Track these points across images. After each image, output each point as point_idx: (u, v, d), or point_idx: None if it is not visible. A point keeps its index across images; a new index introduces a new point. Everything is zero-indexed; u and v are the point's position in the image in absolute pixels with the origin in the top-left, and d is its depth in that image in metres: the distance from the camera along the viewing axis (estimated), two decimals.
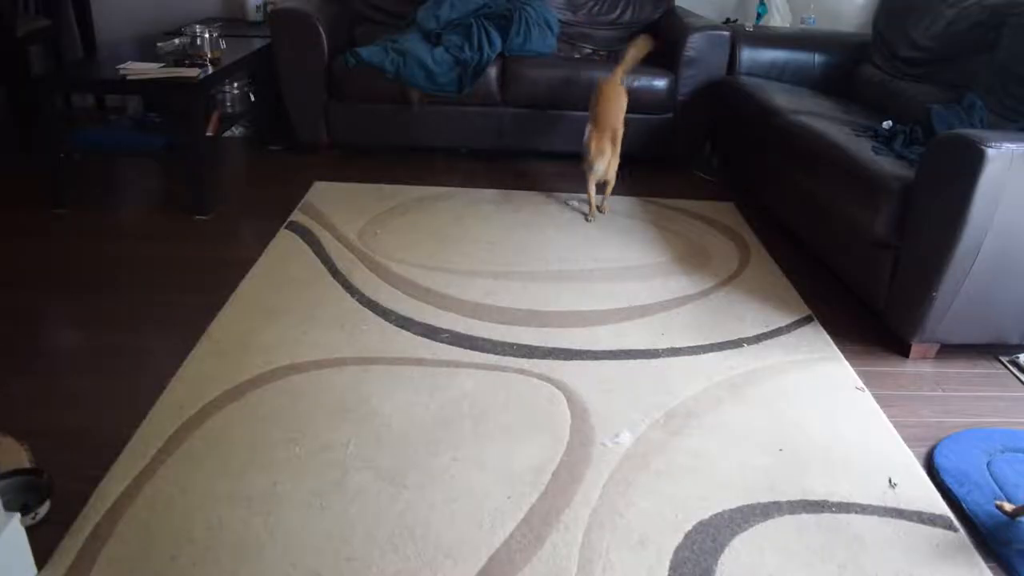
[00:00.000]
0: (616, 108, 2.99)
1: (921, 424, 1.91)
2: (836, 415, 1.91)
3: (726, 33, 3.45)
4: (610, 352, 2.11)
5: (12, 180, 1.97)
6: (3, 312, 2.15)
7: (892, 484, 1.67)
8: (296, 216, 2.88)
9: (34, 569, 1.32)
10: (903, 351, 2.20)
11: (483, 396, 1.87)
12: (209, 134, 3.35)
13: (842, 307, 2.45)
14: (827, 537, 1.51)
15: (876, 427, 1.87)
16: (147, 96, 3.65)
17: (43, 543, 1.36)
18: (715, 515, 1.55)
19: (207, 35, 3.01)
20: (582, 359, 2.07)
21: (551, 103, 3.48)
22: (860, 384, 2.04)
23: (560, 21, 3.76)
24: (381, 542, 1.43)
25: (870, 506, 1.60)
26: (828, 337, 2.26)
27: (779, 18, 4.08)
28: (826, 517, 1.57)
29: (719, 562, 1.44)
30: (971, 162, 1.84)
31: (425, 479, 1.60)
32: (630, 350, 2.13)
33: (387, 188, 3.22)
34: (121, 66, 2.84)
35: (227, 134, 3.80)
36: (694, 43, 3.41)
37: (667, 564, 1.42)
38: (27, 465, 1.55)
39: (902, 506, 1.61)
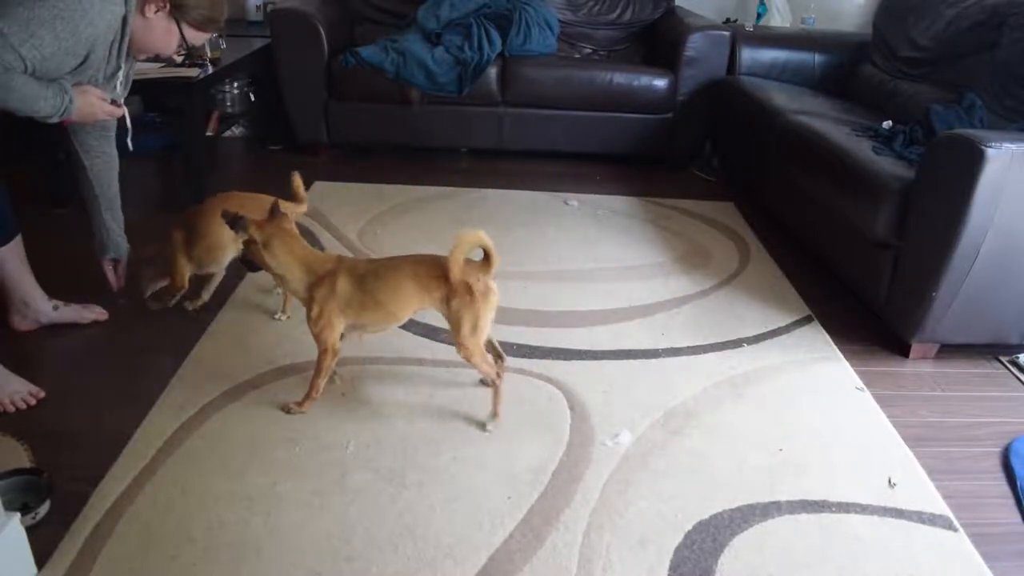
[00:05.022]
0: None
1: (921, 424, 1.91)
2: (836, 415, 1.91)
3: (726, 33, 3.45)
4: (610, 352, 2.11)
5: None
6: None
7: (892, 484, 1.67)
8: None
9: (34, 569, 1.32)
10: (903, 351, 2.19)
11: (483, 396, 1.87)
12: (209, 134, 3.36)
13: (842, 307, 2.45)
14: (827, 537, 1.51)
15: (876, 427, 1.87)
16: (147, 96, 3.65)
17: (43, 543, 1.36)
18: (715, 515, 1.55)
19: None
20: (582, 359, 2.07)
21: (551, 103, 3.48)
22: (860, 384, 2.04)
23: (560, 21, 3.76)
24: (381, 542, 1.43)
25: (870, 506, 1.60)
26: (828, 337, 2.26)
27: (779, 18, 4.09)
28: (826, 517, 1.57)
29: (719, 562, 1.44)
30: (971, 162, 1.84)
31: (425, 479, 1.60)
32: (630, 350, 2.13)
33: (387, 188, 3.22)
34: None
35: (227, 134, 3.80)
36: (694, 43, 3.41)
37: (667, 564, 1.42)
38: (27, 465, 1.55)
39: (902, 506, 1.61)
